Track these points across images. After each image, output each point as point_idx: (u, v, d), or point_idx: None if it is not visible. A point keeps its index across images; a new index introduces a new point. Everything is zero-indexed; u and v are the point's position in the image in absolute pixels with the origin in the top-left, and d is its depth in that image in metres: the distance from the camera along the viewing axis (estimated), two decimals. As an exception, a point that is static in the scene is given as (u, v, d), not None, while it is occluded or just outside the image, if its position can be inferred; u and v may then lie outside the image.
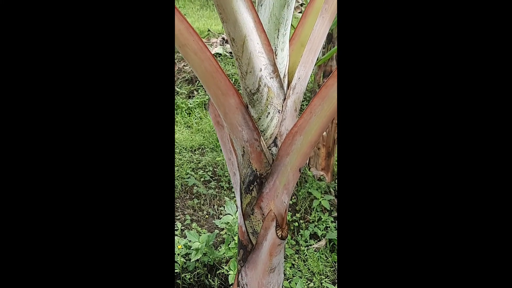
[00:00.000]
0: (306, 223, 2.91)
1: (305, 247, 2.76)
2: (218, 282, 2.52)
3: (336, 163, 3.36)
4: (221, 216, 2.85)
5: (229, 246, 2.57)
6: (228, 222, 2.60)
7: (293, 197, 3.03)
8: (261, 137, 1.01)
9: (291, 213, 2.94)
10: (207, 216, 2.95)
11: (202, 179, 3.24)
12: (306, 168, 3.18)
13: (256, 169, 1.04)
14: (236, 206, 2.75)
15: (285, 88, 1.02)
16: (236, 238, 2.61)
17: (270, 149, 1.03)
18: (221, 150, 3.54)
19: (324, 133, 3.07)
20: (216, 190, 3.14)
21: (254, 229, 1.09)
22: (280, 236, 1.04)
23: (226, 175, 3.27)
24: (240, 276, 1.15)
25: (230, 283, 2.44)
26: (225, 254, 2.58)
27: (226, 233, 2.68)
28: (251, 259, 1.11)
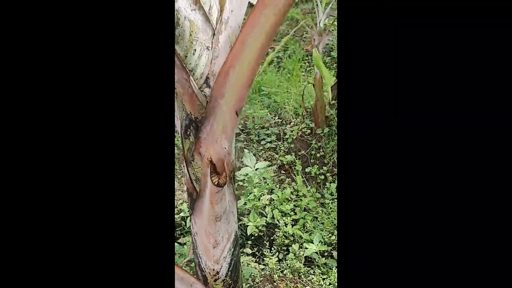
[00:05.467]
0: (334, 177, 2.81)
1: (330, 200, 2.67)
2: (240, 233, 2.53)
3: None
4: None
5: (249, 198, 2.55)
6: (247, 174, 2.57)
7: (321, 150, 2.92)
8: (191, 77, 0.93)
9: (318, 166, 2.84)
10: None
11: (232, 132, 3.22)
12: (335, 121, 3.03)
13: (190, 112, 0.97)
14: (255, 157, 2.71)
15: (214, 22, 0.93)
16: (255, 190, 2.58)
17: (202, 90, 0.96)
18: (253, 102, 3.48)
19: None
20: (245, 143, 3.11)
21: (197, 176, 1.04)
22: (216, 183, 0.97)
23: (256, 127, 3.21)
24: (191, 224, 1.11)
25: (249, 234, 2.44)
26: (246, 206, 2.57)
27: (246, 186, 2.66)
28: (196, 207, 1.06)
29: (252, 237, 2.51)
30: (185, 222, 2.48)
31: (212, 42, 0.93)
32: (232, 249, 1.12)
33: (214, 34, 0.92)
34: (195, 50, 0.92)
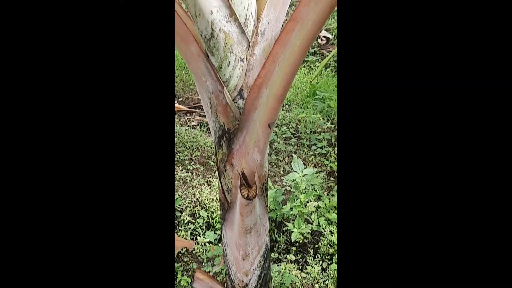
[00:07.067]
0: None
1: (379, 211, 2.57)
2: (284, 239, 2.50)
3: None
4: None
5: (295, 204, 2.52)
6: (294, 180, 2.54)
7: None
8: (225, 88, 0.93)
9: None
10: (282, 173, 2.92)
11: (283, 136, 3.19)
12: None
13: (223, 123, 0.97)
14: (304, 163, 2.67)
15: (250, 34, 0.92)
16: (301, 196, 2.54)
17: (236, 102, 0.95)
18: (306, 106, 3.44)
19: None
20: (295, 147, 3.08)
21: (228, 187, 1.03)
22: (245, 196, 0.96)
23: (308, 132, 3.17)
24: (223, 234, 1.11)
25: (293, 240, 2.41)
26: (292, 212, 2.54)
27: (293, 191, 2.63)
28: (228, 217, 1.06)
29: (297, 244, 2.48)
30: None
31: (247, 54, 0.91)
32: (262, 262, 1.10)
33: (249, 46, 0.91)
34: (229, 61, 0.91)
